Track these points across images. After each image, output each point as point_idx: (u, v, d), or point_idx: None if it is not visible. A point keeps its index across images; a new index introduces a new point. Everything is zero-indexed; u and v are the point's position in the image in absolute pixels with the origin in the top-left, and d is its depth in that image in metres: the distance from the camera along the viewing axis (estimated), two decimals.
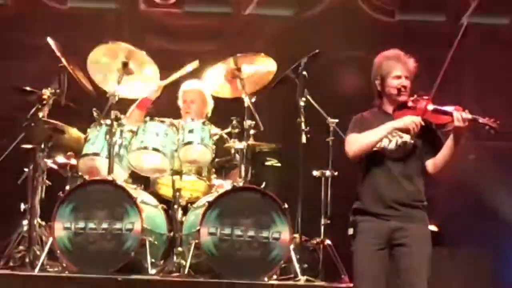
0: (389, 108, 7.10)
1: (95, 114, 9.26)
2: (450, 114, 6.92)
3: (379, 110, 7.23)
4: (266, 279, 8.64)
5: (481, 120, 6.88)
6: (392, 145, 7.00)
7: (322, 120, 9.21)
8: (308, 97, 9.16)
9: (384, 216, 6.98)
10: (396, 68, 7.09)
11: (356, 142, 7.06)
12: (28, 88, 9.19)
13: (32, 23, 10.82)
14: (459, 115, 6.79)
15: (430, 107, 7.12)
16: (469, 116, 6.82)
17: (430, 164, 7.06)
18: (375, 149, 7.12)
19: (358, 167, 7.28)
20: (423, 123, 6.90)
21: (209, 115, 9.95)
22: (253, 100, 9.42)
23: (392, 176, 7.10)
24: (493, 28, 11.51)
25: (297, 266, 8.77)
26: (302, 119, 9.06)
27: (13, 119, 9.59)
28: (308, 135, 9.01)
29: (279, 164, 9.60)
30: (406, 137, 7.06)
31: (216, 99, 10.13)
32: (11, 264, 9.01)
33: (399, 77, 7.05)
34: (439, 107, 7.08)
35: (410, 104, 7.06)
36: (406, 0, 11.65)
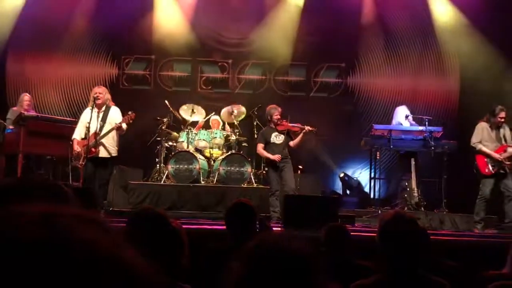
0: (272, 126, 7.75)
1: (182, 127, 9.48)
2: (302, 127, 7.56)
3: (269, 127, 7.81)
4: (242, 185, 8.83)
5: (313, 129, 7.56)
6: (278, 140, 7.66)
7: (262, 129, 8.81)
8: (257, 120, 9.16)
9: (276, 162, 7.62)
10: (276, 112, 7.72)
11: (258, 151, 7.85)
12: (159, 118, 9.30)
13: (159, 96, 10.42)
14: (307, 127, 7.51)
15: (291, 124, 7.67)
16: (310, 127, 7.54)
17: (291, 144, 7.67)
18: (272, 141, 7.69)
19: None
20: (280, 158, 7.53)
21: (222, 127, 9.66)
22: (238, 122, 9.46)
23: (279, 148, 7.64)
24: (323, 97, 11.20)
25: (253, 180, 8.96)
26: (255, 129, 9.07)
27: (153, 129, 9.49)
28: (256, 134, 8.85)
29: (247, 145, 9.50)
30: (282, 137, 7.68)
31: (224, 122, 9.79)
32: (152, 180, 9.13)
33: (277, 115, 7.68)
34: (295, 124, 7.68)
35: (281, 123, 7.67)
36: (292, 86, 11.16)
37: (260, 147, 7.95)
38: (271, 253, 1.27)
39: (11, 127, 8.29)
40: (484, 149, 7.52)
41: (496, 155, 7.46)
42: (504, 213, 7.52)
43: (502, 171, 7.47)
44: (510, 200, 7.39)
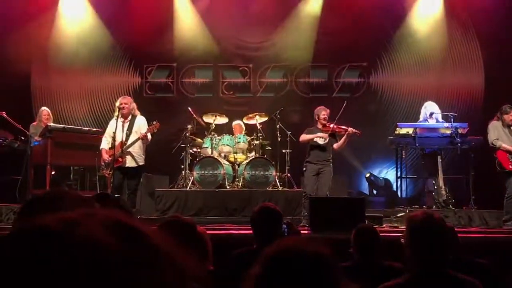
0: (319, 126, 7.77)
1: (206, 133, 9.48)
2: (346, 128, 7.61)
3: (315, 127, 7.82)
4: (267, 188, 8.76)
5: (357, 131, 7.61)
6: (321, 142, 7.66)
7: (285, 132, 9.10)
8: (280, 124, 9.19)
9: (316, 163, 7.69)
10: (324, 113, 7.78)
11: (303, 137, 7.82)
12: (183, 127, 9.31)
13: (182, 103, 10.50)
14: (350, 129, 7.56)
15: (337, 126, 7.69)
16: (354, 129, 7.57)
17: (334, 146, 7.73)
18: (315, 140, 7.72)
19: (303, 146, 7.94)
20: (327, 136, 7.62)
21: (245, 131, 9.56)
22: (260, 126, 9.40)
23: (321, 149, 7.69)
24: (346, 98, 10.93)
25: (278, 183, 8.90)
26: (278, 132, 9.16)
27: (177, 136, 9.54)
28: (280, 138, 9.14)
29: (270, 148, 9.55)
30: (324, 139, 7.68)
31: (247, 126, 9.69)
32: (178, 186, 9.15)
33: (324, 115, 7.74)
34: (341, 126, 7.72)
35: (326, 125, 7.68)
36: (314, 88, 11.24)
37: (303, 135, 8.02)
38: (286, 255, 1.28)
39: (37, 139, 8.45)
40: (505, 145, 7.57)
41: None
42: None
43: None
44: None
